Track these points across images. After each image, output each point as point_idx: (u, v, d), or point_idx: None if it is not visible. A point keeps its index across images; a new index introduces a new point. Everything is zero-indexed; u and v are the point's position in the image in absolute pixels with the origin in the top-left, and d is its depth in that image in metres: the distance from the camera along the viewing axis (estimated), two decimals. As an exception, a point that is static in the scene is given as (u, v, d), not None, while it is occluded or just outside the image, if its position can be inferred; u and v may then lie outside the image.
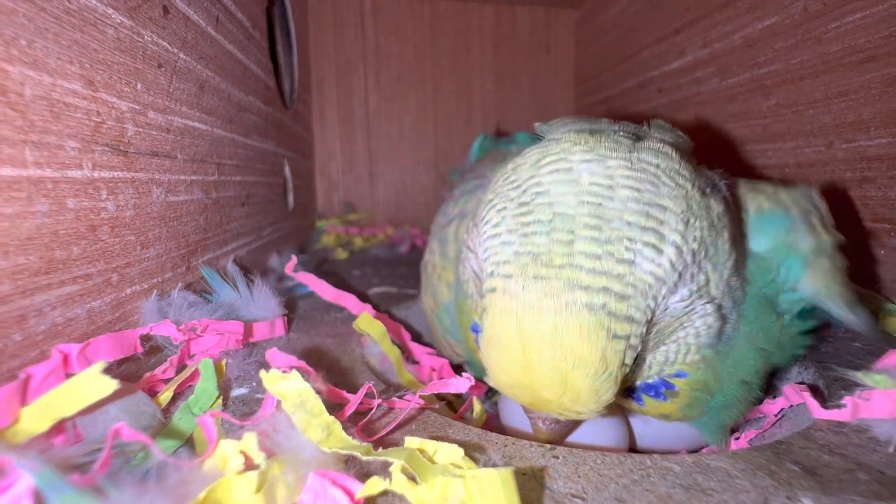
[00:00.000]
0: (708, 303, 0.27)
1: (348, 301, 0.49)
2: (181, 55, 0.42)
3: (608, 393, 0.24)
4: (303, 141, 1.00)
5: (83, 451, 0.22)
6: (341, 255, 0.91)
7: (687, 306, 0.27)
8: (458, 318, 0.37)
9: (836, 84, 0.52)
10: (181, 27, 0.42)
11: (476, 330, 0.33)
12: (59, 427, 0.23)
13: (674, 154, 0.27)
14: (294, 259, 0.51)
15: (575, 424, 0.32)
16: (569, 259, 0.24)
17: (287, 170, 0.83)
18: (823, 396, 0.33)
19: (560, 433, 0.30)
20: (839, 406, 0.29)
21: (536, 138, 0.40)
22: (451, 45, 1.18)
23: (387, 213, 1.20)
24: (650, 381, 0.30)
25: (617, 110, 1.01)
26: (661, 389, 0.30)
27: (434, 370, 0.42)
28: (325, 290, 0.50)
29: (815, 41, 0.54)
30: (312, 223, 1.08)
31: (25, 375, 0.23)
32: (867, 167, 0.49)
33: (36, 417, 0.22)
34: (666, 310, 0.26)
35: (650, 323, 0.25)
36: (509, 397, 0.28)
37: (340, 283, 0.68)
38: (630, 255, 0.24)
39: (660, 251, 0.24)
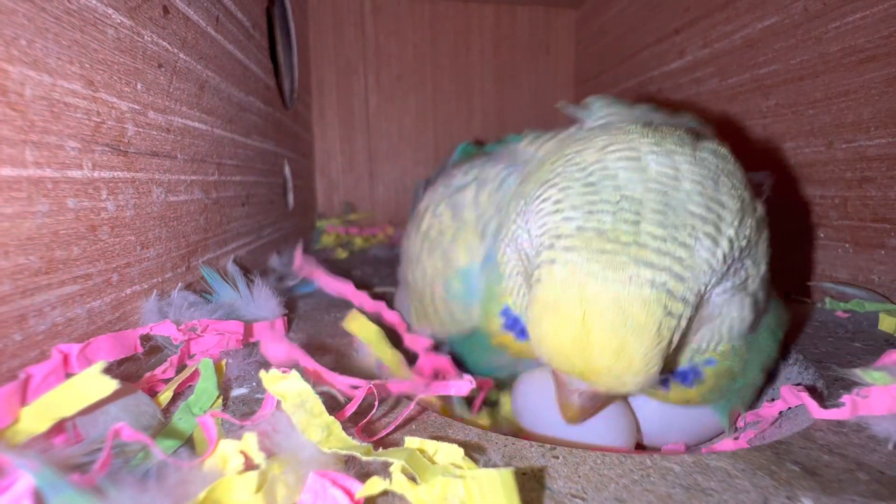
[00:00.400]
0: (746, 297, 0.29)
1: (358, 299, 0.48)
2: (181, 55, 0.42)
3: (656, 367, 0.26)
4: (303, 141, 1.00)
5: (83, 451, 0.22)
6: (341, 255, 0.91)
7: (727, 298, 0.29)
8: (486, 301, 0.36)
9: (836, 84, 0.52)
10: (181, 27, 0.42)
11: (508, 314, 0.34)
12: (59, 427, 0.23)
13: (730, 156, 0.30)
14: (298, 251, 0.49)
15: (604, 404, 0.33)
16: (635, 237, 0.25)
17: (287, 170, 0.83)
18: (822, 396, 0.33)
19: (589, 411, 0.31)
20: (838, 405, 0.29)
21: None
22: (451, 45, 1.18)
23: (387, 213, 1.20)
24: (681, 366, 0.31)
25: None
26: (690, 377, 0.31)
27: (436, 370, 0.41)
28: (331, 285, 0.48)
29: (815, 41, 0.54)
30: (312, 223, 1.08)
31: (25, 375, 0.23)
32: (867, 167, 0.49)
33: (36, 417, 0.22)
34: (709, 299, 0.28)
35: (697, 310, 0.27)
36: (555, 366, 0.28)
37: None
38: (691, 242, 0.26)
39: (716, 243, 0.26)
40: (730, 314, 0.29)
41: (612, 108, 0.38)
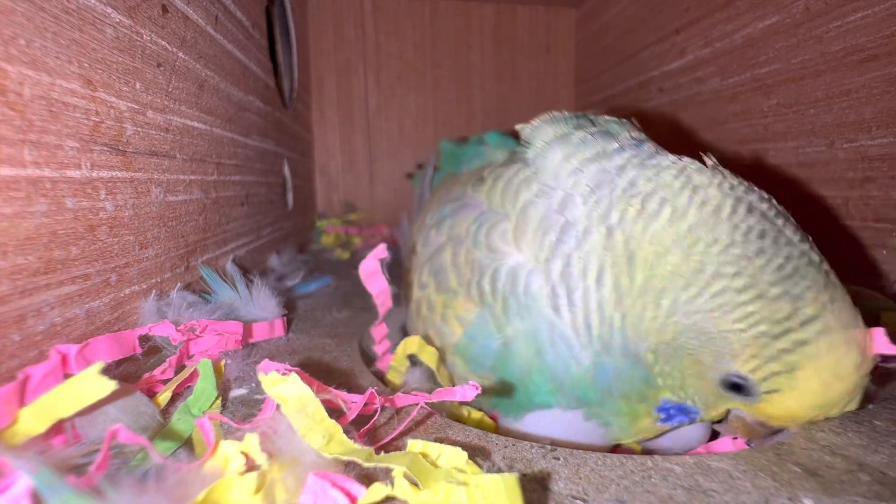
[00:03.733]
0: None
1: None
2: (180, 54, 0.41)
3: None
4: (302, 140, 1.00)
5: (81, 451, 0.21)
6: (342, 255, 0.91)
7: None
8: (627, 400, 0.33)
9: (838, 83, 0.52)
10: (180, 26, 0.41)
11: (668, 406, 0.32)
12: (58, 428, 0.23)
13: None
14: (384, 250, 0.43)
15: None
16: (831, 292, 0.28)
17: (286, 169, 0.83)
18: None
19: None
20: None
21: (506, 138, 0.40)
22: (451, 44, 1.18)
23: (387, 213, 1.19)
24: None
25: (618, 110, 1.01)
26: None
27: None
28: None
29: (816, 40, 0.54)
30: (312, 223, 1.08)
31: (23, 376, 0.23)
32: (869, 167, 0.49)
33: (34, 418, 0.21)
34: None
35: None
36: (798, 421, 0.29)
37: (341, 285, 0.68)
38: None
39: None
40: None
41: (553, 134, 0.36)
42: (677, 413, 0.32)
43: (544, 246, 0.33)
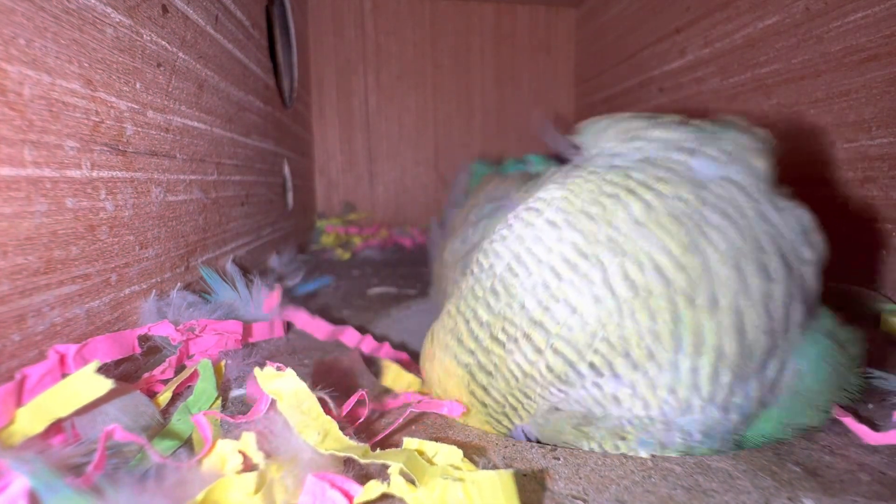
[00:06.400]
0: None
1: (346, 335, 0.45)
2: (180, 54, 0.41)
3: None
4: (302, 140, 1.00)
5: (80, 451, 0.21)
6: (342, 255, 0.91)
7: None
8: None
9: (838, 83, 0.52)
10: (180, 26, 0.41)
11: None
12: (57, 428, 0.22)
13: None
14: (278, 292, 0.44)
15: None
16: None
17: (286, 169, 0.83)
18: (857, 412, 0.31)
19: None
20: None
21: (549, 160, 0.38)
22: (451, 44, 1.17)
23: (387, 213, 1.19)
24: None
25: (618, 110, 1.01)
26: None
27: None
28: (319, 329, 0.45)
29: (816, 40, 0.54)
30: (312, 223, 1.08)
31: (21, 376, 0.23)
32: (869, 167, 0.49)
33: (31, 418, 0.21)
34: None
35: None
36: None
37: (341, 285, 0.68)
38: None
39: None
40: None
41: (607, 134, 0.30)
42: None
43: None
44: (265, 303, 0.44)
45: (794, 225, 0.28)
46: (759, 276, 0.25)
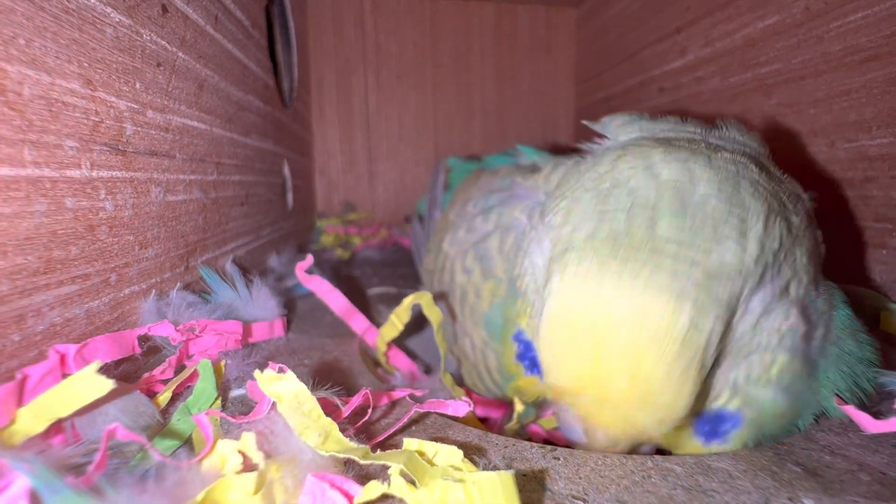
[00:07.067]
0: (792, 305, 0.26)
1: (356, 320, 0.46)
2: (180, 54, 0.41)
3: (684, 397, 0.22)
4: (302, 140, 1.00)
5: (80, 451, 0.21)
6: (343, 255, 0.91)
7: (767, 306, 0.25)
8: (502, 329, 0.33)
9: (838, 83, 0.52)
10: (180, 26, 0.41)
11: (520, 339, 0.31)
12: (57, 428, 0.22)
13: (752, 165, 0.27)
14: (310, 258, 0.46)
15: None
16: (651, 243, 0.23)
17: (286, 169, 0.83)
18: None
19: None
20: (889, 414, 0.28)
21: (541, 151, 0.39)
22: (451, 44, 1.17)
23: (387, 213, 1.19)
24: (716, 408, 0.27)
25: (618, 110, 1.01)
26: (727, 425, 0.27)
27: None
28: (336, 301, 0.46)
29: (816, 40, 0.54)
30: (312, 223, 1.08)
31: (22, 376, 0.23)
32: (869, 167, 0.49)
33: (32, 418, 0.21)
34: (746, 312, 0.24)
35: (729, 324, 0.24)
36: (565, 404, 0.25)
37: (340, 284, 0.68)
38: (712, 245, 0.23)
39: (743, 245, 0.23)
40: (774, 324, 0.25)
41: (632, 125, 0.34)
42: (526, 351, 0.31)
43: None
44: (299, 264, 0.46)
45: (792, 190, 0.30)
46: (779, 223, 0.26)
